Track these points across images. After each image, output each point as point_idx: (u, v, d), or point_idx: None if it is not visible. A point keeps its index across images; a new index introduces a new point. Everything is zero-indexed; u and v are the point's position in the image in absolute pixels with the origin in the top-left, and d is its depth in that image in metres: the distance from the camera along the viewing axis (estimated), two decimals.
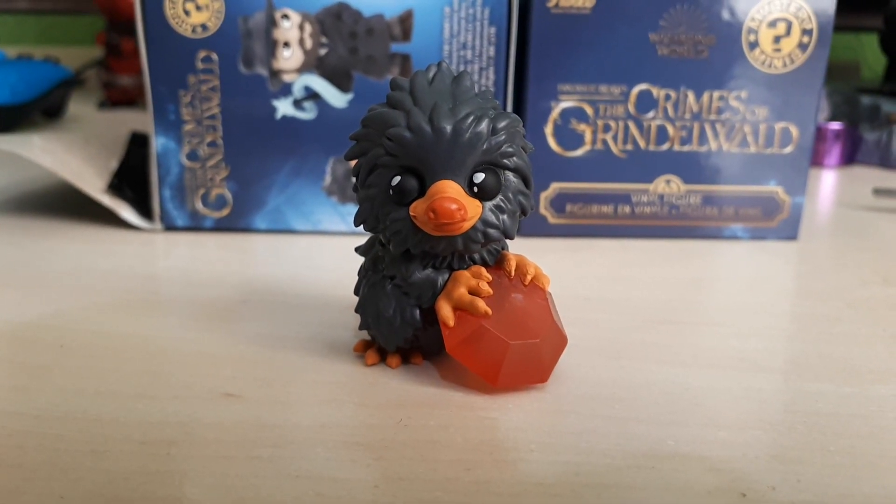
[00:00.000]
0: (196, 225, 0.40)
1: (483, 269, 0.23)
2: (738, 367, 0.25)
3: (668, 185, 0.40)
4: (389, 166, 0.22)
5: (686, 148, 0.39)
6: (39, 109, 0.68)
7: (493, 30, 0.37)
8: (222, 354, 0.25)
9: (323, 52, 0.38)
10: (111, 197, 0.40)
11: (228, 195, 0.39)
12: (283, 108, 0.38)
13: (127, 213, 0.40)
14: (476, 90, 0.23)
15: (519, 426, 0.21)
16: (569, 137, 0.39)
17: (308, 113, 0.38)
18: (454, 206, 0.21)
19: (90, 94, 0.93)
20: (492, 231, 0.22)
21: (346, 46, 0.38)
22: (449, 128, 0.21)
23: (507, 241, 0.26)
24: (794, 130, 0.39)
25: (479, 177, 0.22)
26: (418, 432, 0.21)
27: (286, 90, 0.38)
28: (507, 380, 0.22)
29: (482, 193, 0.22)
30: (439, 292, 0.23)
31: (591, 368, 0.25)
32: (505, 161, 0.22)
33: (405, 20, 0.37)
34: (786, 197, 0.40)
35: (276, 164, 0.39)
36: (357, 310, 0.25)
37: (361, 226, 0.23)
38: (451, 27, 0.37)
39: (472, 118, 0.21)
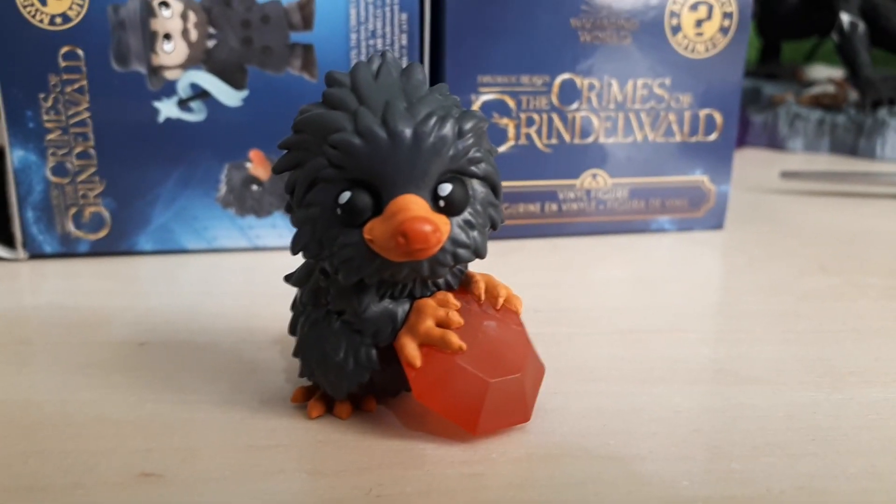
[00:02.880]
0: (68, 250, 0.34)
1: (450, 296, 0.19)
2: (721, 381, 0.23)
3: (595, 180, 0.38)
4: (334, 180, 0.18)
5: (611, 140, 0.37)
6: None
7: (404, 16, 0.34)
8: (127, 419, 0.21)
9: (211, 44, 0.33)
10: None
11: (106, 213, 0.34)
12: (167, 109, 0.33)
13: None
14: (428, 84, 0.19)
15: (511, 482, 0.18)
16: (491, 133, 0.36)
17: (196, 114, 0.33)
18: (428, 228, 0.17)
19: None
20: (462, 251, 0.18)
21: (237, 37, 0.33)
22: (408, 131, 0.17)
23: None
24: (717, 117, 0.38)
25: (446, 188, 0.18)
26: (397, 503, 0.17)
27: (169, 89, 0.33)
28: (487, 424, 0.19)
29: (449, 208, 0.18)
30: (400, 327, 0.19)
31: (570, 396, 0.22)
32: (473, 168, 0.19)
33: (305, 6, 0.33)
34: (711, 186, 0.39)
35: (160, 174, 0.34)
36: (296, 354, 0.21)
37: (301, 253, 0.19)
38: (357, 13, 0.33)
39: (434, 119, 0.18)
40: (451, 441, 0.19)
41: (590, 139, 0.37)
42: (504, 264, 0.34)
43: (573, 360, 0.25)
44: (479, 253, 0.19)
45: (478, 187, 0.19)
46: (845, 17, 0.65)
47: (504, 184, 0.36)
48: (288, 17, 0.33)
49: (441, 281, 0.20)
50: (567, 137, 0.37)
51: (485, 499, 0.17)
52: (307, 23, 0.33)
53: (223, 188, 0.34)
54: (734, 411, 0.21)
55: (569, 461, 0.19)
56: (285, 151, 0.19)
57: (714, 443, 0.20)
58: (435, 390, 0.19)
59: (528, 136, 0.36)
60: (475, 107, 0.35)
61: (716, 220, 0.40)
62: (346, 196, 0.18)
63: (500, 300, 0.20)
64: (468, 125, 0.18)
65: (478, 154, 0.19)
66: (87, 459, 0.19)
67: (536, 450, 0.19)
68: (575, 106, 0.36)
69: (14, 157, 0.32)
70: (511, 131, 0.36)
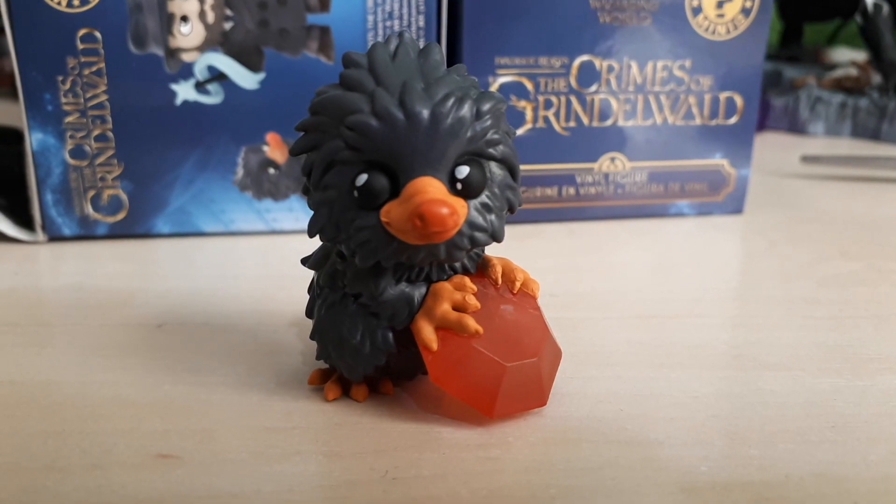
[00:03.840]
0: (87, 233, 0.34)
1: (467, 280, 0.19)
2: (739, 367, 0.23)
3: (613, 164, 0.37)
4: (351, 162, 0.18)
5: (630, 123, 0.37)
6: None
7: None
8: (145, 401, 0.21)
9: (228, 26, 0.32)
10: None
11: (124, 196, 0.34)
12: (184, 92, 0.33)
13: (0, 223, 0.33)
14: (446, 64, 0.19)
15: (529, 466, 0.18)
16: (509, 116, 0.35)
17: (213, 97, 0.33)
18: (445, 211, 0.17)
19: None
20: (479, 235, 0.18)
21: (254, 19, 0.33)
22: (426, 112, 0.17)
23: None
24: (738, 100, 0.37)
25: (463, 171, 0.18)
26: (412, 487, 0.17)
27: (186, 72, 0.33)
28: (503, 408, 0.19)
29: (466, 190, 0.18)
30: (416, 310, 0.19)
31: (587, 381, 0.22)
32: (491, 150, 0.18)
33: None
34: (731, 170, 0.39)
35: (177, 157, 0.34)
36: (312, 336, 0.20)
37: (318, 236, 0.19)
38: None
39: (452, 100, 0.17)
40: (468, 425, 0.19)
41: (608, 122, 0.37)
42: (521, 248, 0.34)
43: (590, 344, 0.24)
44: (497, 236, 0.19)
45: (495, 170, 0.19)
46: None
47: (521, 167, 0.36)
48: None
49: (458, 265, 0.20)
50: (585, 120, 0.36)
51: (501, 482, 0.17)
52: (324, 5, 0.33)
53: (240, 171, 0.34)
54: (753, 397, 0.21)
55: (586, 446, 0.19)
56: (302, 133, 0.19)
57: (732, 428, 0.20)
58: (451, 373, 0.19)
59: (546, 119, 0.36)
60: (493, 89, 0.35)
61: (735, 205, 0.39)
62: (363, 178, 0.18)
63: (517, 284, 0.20)
64: (486, 106, 0.18)
65: (496, 136, 0.18)
66: (105, 440, 0.19)
67: (553, 434, 0.19)
68: (594, 88, 0.36)
69: (33, 139, 0.32)
70: (529, 114, 0.36)
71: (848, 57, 0.76)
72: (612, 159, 0.37)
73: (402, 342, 0.19)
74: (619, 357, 0.24)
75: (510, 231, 0.36)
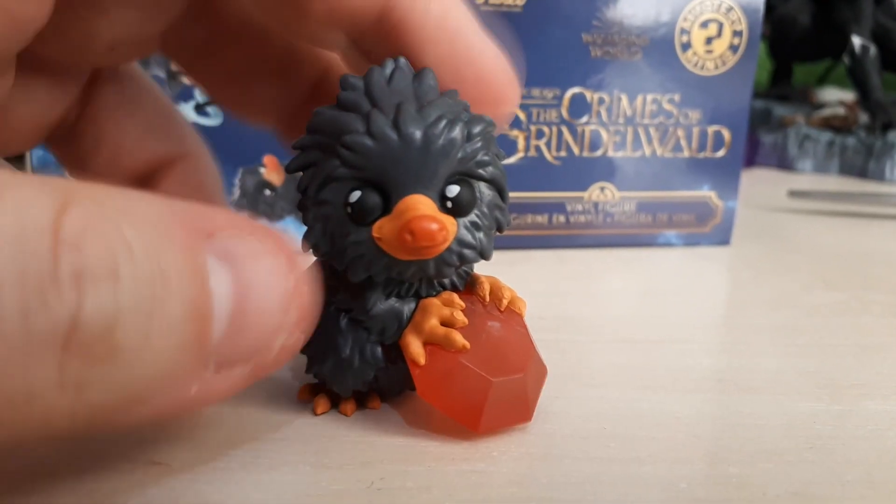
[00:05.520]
0: None
1: (455, 296, 0.20)
2: (721, 390, 0.23)
3: (603, 193, 0.38)
4: (346, 179, 0.18)
5: (620, 154, 0.38)
6: None
7: None
8: None
9: None
10: None
11: None
12: (184, 113, 0.34)
13: None
14: (439, 89, 0.19)
15: (512, 479, 0.18)
16: (501, 144, 0.36)
17: (213, 119, 0.34)
18: (435, 227, 0.17)
19: None
20: (468, 252, 0.19)
21: None
22: (419, 133, 0.18)
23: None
24: (726, 134, 0.38)
25: (453, 190, 0.19)
26: (397, 498, 0.17)
27: (187, 94, 0.33)
28: (489, 423, 0.19)
29: (456, 209, 0.19)
30: (405, 325, 0.20)
31: (572, 400, 0.22)
32: (480, 171, 0.19)
33: None
34: (719, 202, 0.39)
35: None
36: (302, 351, 0.21)
37: (311, 250, 0.19)
38: None
39: (444, 122, 0.18)
40: (453, 439, 0.20)
41: (598, 152, 0.37)
42: (511, 273, 0.34)
43: (576, 366, 0.25)
44: (485, 254, 0.19)
45: (485, 190, 0.19)
46: (857, 41, 0.65)
47: (512, 194, 0.37)
48: None
49: (447, 281, 0.20)
50: (576, 150, 0.37)
51: (485, 495, 0.18)
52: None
53: (237, 192, 0.35)
54: (734, 419, 0.22)
55: (569, 462, 0.19)
56: (299, 151, 0.19)
57: (713, 448, 0.20)
58: (438, 388, 0.19)
59: (538, 148, 0.37)
60: None
61: (722, 236, 0.40)
62: (356, 195, 0.18)
63: (505, 302, 0.20)
64: (477, 129, 0.19)
65: (486, 157, 0.19)
66: (97, 447, 0.19)
67: (537, 450, 0.19)
68: (584, 119, 0.37)
69: (33, 155, 0.33)
70: (521, 143, 0.37)
71: (836, 97, 0.78)
72: (602, 189, 0.38)
73: (391, 357, 0.20)
74: (603, 378, 0.24)
75: (500, 256, 0.37)
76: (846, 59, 0.66)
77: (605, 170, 0.38)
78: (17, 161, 0.35)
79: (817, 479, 0.19)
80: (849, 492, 0.18)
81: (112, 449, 0.19)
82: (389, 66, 0.19)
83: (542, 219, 0.38)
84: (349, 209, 0.18)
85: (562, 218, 0.38)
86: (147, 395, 0.13)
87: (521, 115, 0.36)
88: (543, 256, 0.37)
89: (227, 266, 0.14)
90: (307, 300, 0.15)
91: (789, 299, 0.32)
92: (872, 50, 0.65)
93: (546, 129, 0.37)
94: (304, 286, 0.15)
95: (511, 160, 0.37)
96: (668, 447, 0.20)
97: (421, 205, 0.18)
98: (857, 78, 0.65)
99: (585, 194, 0.38)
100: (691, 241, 0.40)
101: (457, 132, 0.18)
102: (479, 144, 0.19)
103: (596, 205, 0.38)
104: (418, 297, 0.20)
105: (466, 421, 0.19)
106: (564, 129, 0.37)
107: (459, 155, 0.18)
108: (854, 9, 0.66)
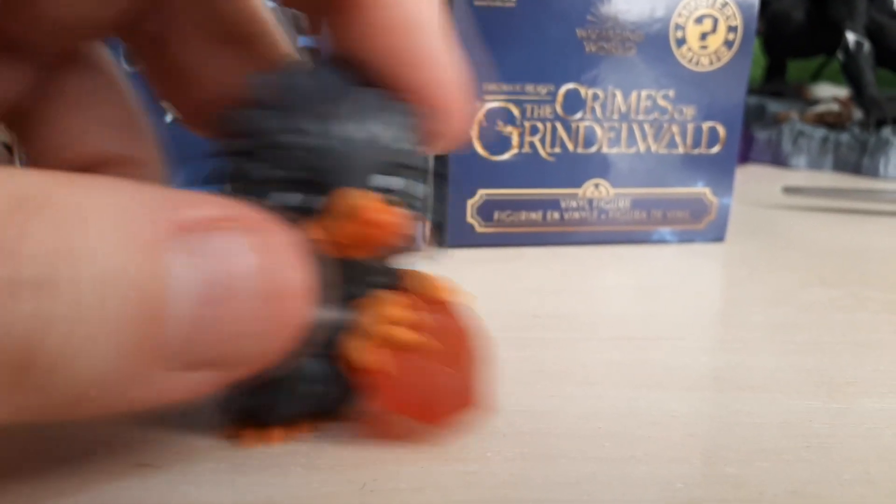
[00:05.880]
0: None
1: (394, 295, 0.19)
2: (718, 388, 0.23)
3: (597, 190, 0.38)
4: (274, 181, 0.18)
5: (614, 150, 0.37)
6: None
7: None
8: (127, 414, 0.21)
9: None
10: None
11: None
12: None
13: None
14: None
15: (506, 480, 0.18)
16: (495, 140, 0.36)
17: None
18: (393, 217, 0.17)
19: None
20: (403, 241, 0.19)
21: None
22: (345, 128, 0.18)
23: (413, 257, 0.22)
24: (721, 130, 0.38)
25: (383, 181, 0.18)
26: (390, 499, 0.17)
27: None
28: (444, 414, 0.19)
29: (388, 199, 0.18)
30: (345, 331, 0.19)
31: (566, 399, 0.22)
32: (406, 161, 0.19)
33: None
34: (713, 198, 0.39)
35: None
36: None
37: None
38: None
39: (367, 114, 0.18)
40: (446, 440, 0.19)
41: (593, 149, 0.37)
42: (505, 271, 0.34)
43: (570, 364, 0.25)
44: (418, 244, 0.19)
45: (413, 179, 0.19)
46: (851, 37, 0.65)
47: (507, 191, 0.37)
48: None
49: (377, 280, 0.20)
50: (570, 147, 0.37)
51: (478, 496, 0.17)
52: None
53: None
54: (730, 417, 0.21)
55: (564, 462, 0.19)
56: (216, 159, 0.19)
57: (709, 447, 0.20)
58: (399, 390, 0.19)
59: (532, 145, 0.37)
60: (479, 115, 0.36)
61: (717, 233, 0.40)
62: (288, 197, 0.18)
63: (436, 292, 0.20)
64: (399, 119, 0.18)
65: (408, 146, 0.19)
66: (85, 448, 0.19)
67: (531, 449, 0.19)
68: (579, 115, 0.37)
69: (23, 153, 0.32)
70: (515, 139, 0.36)
71: (830, 93, 0.78)
72: (596, 185, 0.38)
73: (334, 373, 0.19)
74: (598, 377, 0.24)
75: (494, 253, 0.37)
76: (840, 56, 0.66)
77: (599, 166, 0.37)
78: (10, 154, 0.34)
79: (815, 478, 0.18)
80: (847, 491, 0.18)
81: (99, 450, 0.19)
82: (304, 62, 0.19)
83: (536, 215, 0.38)
84: (281, 213, 0.17)
85: (556, 214, 0.38)
86: (87, 396, 0.13)
87: (516, 111, 0.36)
88: (537, 253, 0.37)
89: (196, 265, 0.13)
90: (292, 305, 0.15)
91: (784, 296, 0.32)
92: (866, 46, 0.65)
93: (540, 126, 0.36)
94: (290, 291, 0.15)
95: (505, 156, 0.36)
96: (664, 446, 0.20)
97: (369, 199, 0.17)
98: (850, 74, 0.65)
99: (580, 191, 0.38)
100: (686, 238, 0.39)
101: (380, 123, 0.18)
102: (402, 134, 0.18)
103: (590, 201, 0.38)
104: (352, 299, 0.19)
105: (422, 416, 0.19)
106: (559, 126, 0.36)
107: (384, 146, 0.18)
108: (848, 5, 0.66)
